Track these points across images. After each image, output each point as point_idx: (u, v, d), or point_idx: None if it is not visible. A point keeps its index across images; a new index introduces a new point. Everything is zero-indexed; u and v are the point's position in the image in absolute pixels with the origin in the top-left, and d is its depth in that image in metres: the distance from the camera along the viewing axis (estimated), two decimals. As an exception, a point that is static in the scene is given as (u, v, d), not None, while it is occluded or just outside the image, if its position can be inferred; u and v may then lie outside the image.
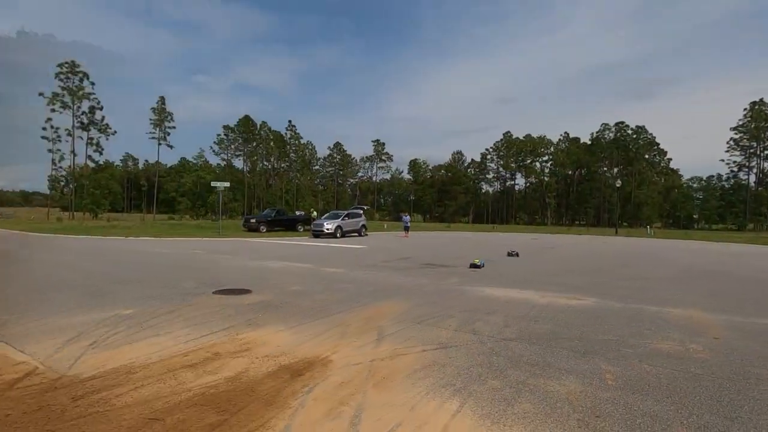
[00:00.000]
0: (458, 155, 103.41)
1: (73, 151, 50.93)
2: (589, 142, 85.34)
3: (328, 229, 24.34)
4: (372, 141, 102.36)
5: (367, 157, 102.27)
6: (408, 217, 31.62)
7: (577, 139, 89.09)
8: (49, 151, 50.10)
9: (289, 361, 3.88)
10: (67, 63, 48.81)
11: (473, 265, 11.06)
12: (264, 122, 79.40)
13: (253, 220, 27.55)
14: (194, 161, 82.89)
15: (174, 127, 62.37)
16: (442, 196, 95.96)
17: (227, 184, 26.45)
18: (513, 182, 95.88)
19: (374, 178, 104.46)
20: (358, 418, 2.84)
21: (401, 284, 8.38)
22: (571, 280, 9.52)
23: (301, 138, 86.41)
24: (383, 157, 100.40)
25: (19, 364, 3.74)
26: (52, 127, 49.04)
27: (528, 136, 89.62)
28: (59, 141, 49.83)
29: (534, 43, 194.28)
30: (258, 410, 2.92)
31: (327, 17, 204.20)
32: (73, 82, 49.18)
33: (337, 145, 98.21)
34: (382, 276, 9.50)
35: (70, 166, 52.49)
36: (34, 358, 3.90)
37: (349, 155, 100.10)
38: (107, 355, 3.99)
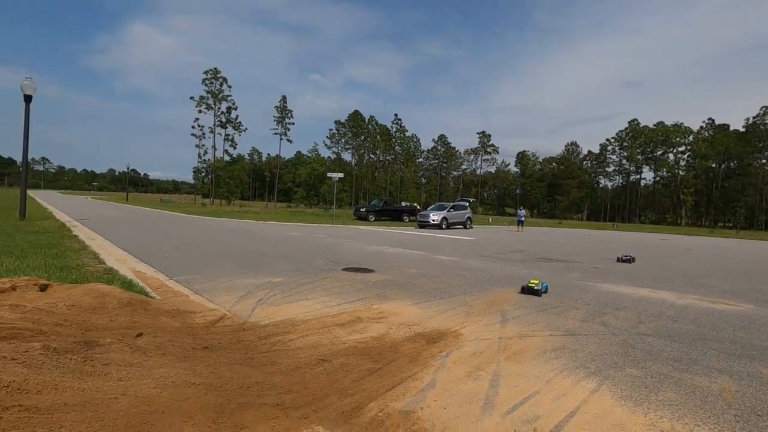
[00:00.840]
0: (572, 147, 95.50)
1: (213, 146, 59.36)
2: (743, 130, 71.78)
3: (434, 221, 24.70)
4: (477, 133, 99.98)
5: (471, 149, 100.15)
6: (523, 211, 30.67)
7: (725, 126, 75.59)
8: (197, 146, 59.11)
9: (422, 330, 4.28)
10: (211, 70, 56.87)
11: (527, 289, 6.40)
12: (372, 117, 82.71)
13: (362, 210, 29.20)
14: (308, 155, 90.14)
15: (293, 123, 68.52)
16: (553, 190, 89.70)
17: (341, 175, 28.43)
18: (638, 176, 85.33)
19: (478, 171, 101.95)
20: (495, 382, 3.09)
21: (517, 274, 8.32)
22: (716, 283, 8.43)
23: (406, 131, 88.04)
24: (489, 150, 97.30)
25: (213, 310, 4.75)
26: (199, 125, 57.74)
27: (660, 123, 78.69)
28: (204, 137, 58.47)
29: (668, 14, 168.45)
30: (404, 365, 3.35)
31: (432, 10, 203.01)
32: (215, 86, 57.18)
33: (441, 137, 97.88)
34: (497, 266, 9.51)
35: (210, 159, 61.21)
36: (222, 307, 4.92)
37: (453, 147, 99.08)
38: (273, 310, 4.84)
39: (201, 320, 4.30)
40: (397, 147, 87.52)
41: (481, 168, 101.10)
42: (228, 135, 59.70)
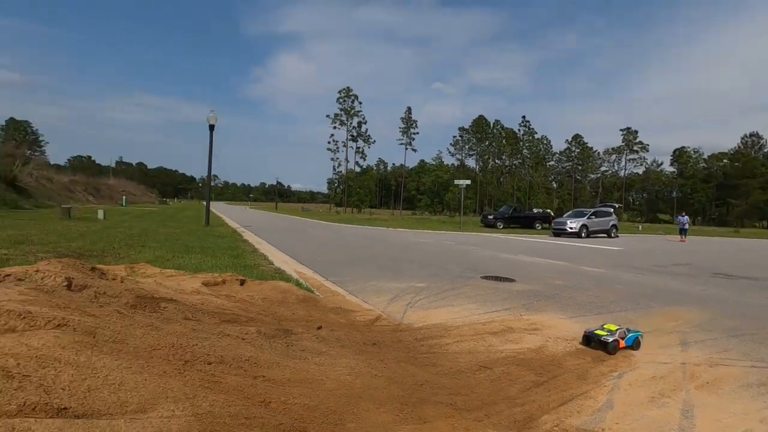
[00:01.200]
0: (752, 139, 78.24)
1: (346, 159, 64.61)
2: None
3: (571, 228, 22.73)
4: (620, 130, 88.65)
5: (613, 148, 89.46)
6: (686, 218, 25.72)
7: None
8: (331, 159, 65.09)
9: (584, 346, 4.00)
10: (344, 89, 62.27)
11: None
12: (497, 120, 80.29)
13: (490, 216, 28.44)
14: (432, 162, 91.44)
15: (417, 133, 70.49)
16: (725, 192, 74.60)
17: (468, 182, 28.20)
18: None
19: (621, 173, 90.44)
20: (689, 412, 2.73)
21: (686, 291, 7.16)
22: None
23: (535, 133, 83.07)
24: (635, 148, 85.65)
25: (369, 310, 5.17)
26: (333, 140, 63.52)
27: None
28: (338, 151, 64.07)
29: None
30: (572, 381, 3.18)
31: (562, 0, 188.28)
32: (348, 104, 62.30)
33: (576, 137, 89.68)
34: (658, 280, 8.32)
35: (342, 171, 66.66)
36: (375, 308, 5.32)
37: (590, 148, 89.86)
38: (423, 314, 5.06)
39: (361, 318, 4.72)
40: (524, 150, 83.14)
41: (625, 169, 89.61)
42: (359, 148, 64.35)
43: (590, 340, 3.93)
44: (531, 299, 6.08)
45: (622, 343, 3.82)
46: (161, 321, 2.69)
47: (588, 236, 22.92)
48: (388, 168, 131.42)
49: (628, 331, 3.96)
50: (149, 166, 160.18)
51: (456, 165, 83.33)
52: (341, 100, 62.37)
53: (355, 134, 63.50)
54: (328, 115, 62.70)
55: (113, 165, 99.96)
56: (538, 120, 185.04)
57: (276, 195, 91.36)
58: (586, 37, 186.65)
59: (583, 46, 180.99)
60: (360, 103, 63.45)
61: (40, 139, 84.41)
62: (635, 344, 3.90)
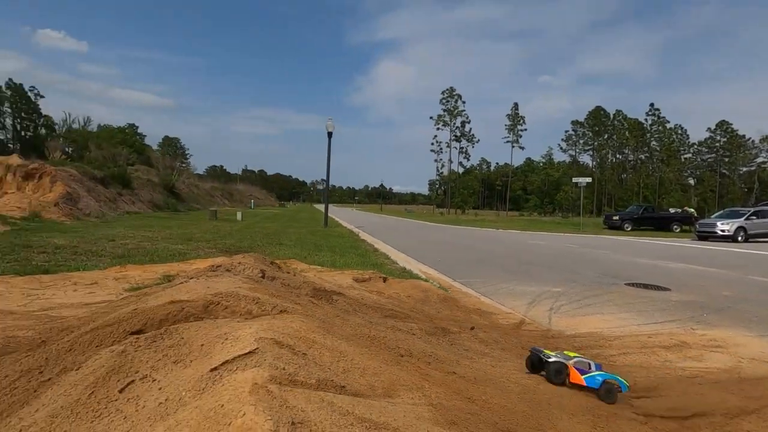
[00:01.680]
0: None
1: (450, 160, 64.12)
2: None
3: (722, 231, 19.36)
4: (783, 112, 72.65)
5: (772, 135, 73.93)
6: None
7: None
8: (435, 161, 65.15)
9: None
10: (447, 90, 61.97)
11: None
12: (618, 111, 72.16)
13: (615, 217, 25.64)
14: (540, 160, 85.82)
15: (525, 130, 66.88)
16: None
17: (589, 180, 25.82)
18: None
19: (786, 164, 74.23)
20: None
21: None
22: None
23: (667, 122, 72.74)
24: (805, 133, 69.63)
25: (509, 313, 5.00)
26: (437, 141, 63.53)
27: None
28: (441, 152, 63.88)
29: None
30: (792, 412, 2.66)
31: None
32: (451, 104, 61.79)
33: (722, 124, 76.20)
34: None
35: (444, 172, 66.24)
36: (515, 311, 5.13)
37: (741, 135, 75.59)
38: (571, 321, 4.72)
39: (504, 321, 4.58)
40: (653, 142, 73.35)
41: (791, 159, 73.37)
42: (462, 148, 63.35)
43: (534, 360, 2.80)
44: (697, 311, 5.28)
45: (577, 376, 2.63)
46: (343, 312, 2.91)
47: (746, 240, 19.28)
48: (492, 168, 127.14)
49: (597, 367, 2.71)
50: (268, 173, 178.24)
51: (568, 162, 77.02)
52: (444, 101, 62.19)
53: (458, 134, 62.75)
54: (431, 117, 63.01)
55: (240, 173, 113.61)
56: (667, 107, 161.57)
57: (381, 198, 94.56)
58: (728, 7, 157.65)
59: (723, 18, 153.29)
60: (463, 102, 62.53)
61: (186, 152, 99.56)
62: (604, 391, 2.57)
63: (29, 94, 60.54)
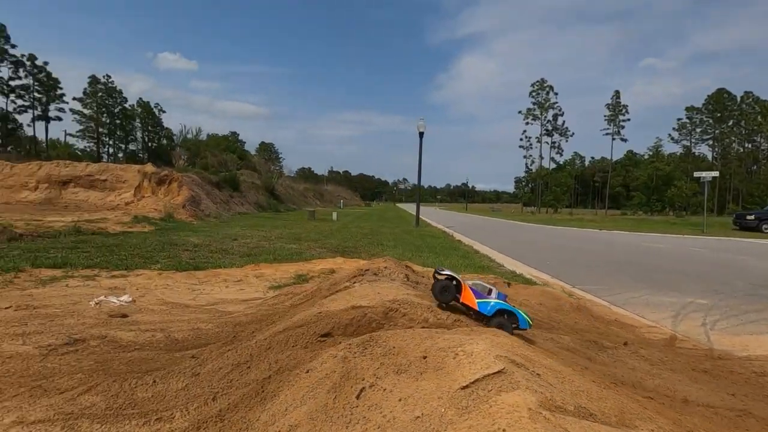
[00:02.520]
0: None
1: (540, 156, 60.59)
2: None
3: None
4: None
5: None
6: None
7: None
8: (524, 157, 62.12)
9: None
10: (537, 81, 58.57)
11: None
12: (748, 92, 62.03)
13: (750, 217, 22.07)
14: (645, 152, 77.06)
15: (629, 120, 60.72)
16: None
17: (715, 174, 22.54)
18: None
19: None
20: None
21: None
22: None
23: (812, 103, 60.81)
24: None
25: (651, 327, 4.50)
26: (526, 137, 60.47)
27: None
28: (531, 148, 60.68)
29: None
30: None
31: None
32: (542, 96, 58.31)
33: None
34: None
35: (533, 169, 62.71)
36: (659, 324, 4.60)
37: None
38: (738, 340, 4.10)
39: (649, 336, 4.13)
40: (793, 128, 61.85)
41: None
42: (554, 142, 59.49)
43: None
44: None
45: (469, 297, 2.38)
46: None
47: None
48: (586, 162, 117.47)
49: (500, 296, 2.45)
50: (352, 173, 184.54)
51: (680, 154, 68.14)
52: (534, 94, 58.84)
53: (550, 128, 59.02)
54: (519, 112, 60.11)
55: (326, 174, 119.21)
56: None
57: (464, 196, 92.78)
58: None
59: None
60: (556, 94, 58.59)
61: (280, 156, 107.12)
62: (496, 323, 2.32)
63: (154, 110, 69.81)
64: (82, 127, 60.68)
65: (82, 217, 12.16)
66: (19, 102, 50.62)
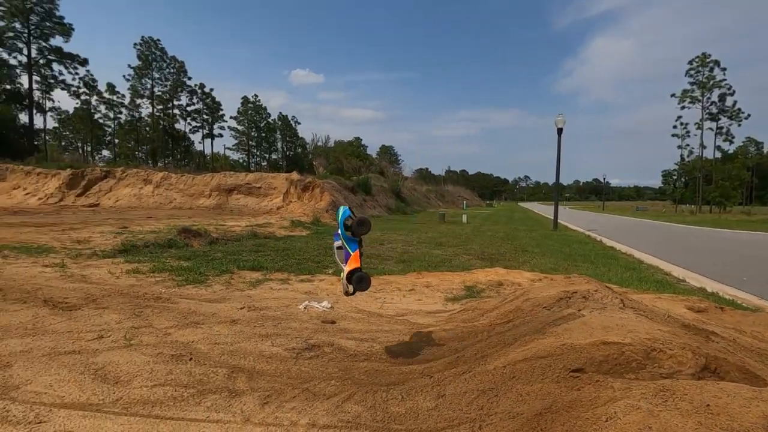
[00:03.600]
0: None
1: (701, 144, 51.19)
2: None
3: None
4: None
5: None
6: None
7: None
8: (679, 147, 53.22)
9: None
10: (698, 57, 49.51)
11: None
12: None
13: None
14: None
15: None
16: None
17: None
18: None
19: None
20: None
21: None
22: None
23: None
24: None
25: None
26: (681, 123, 51.74)
27: None
28: (687, 136, 51.73)
29: None
30: None
31: None
32: (702, 75, 49.20)
33: None
34: None
35: (686, 161, 53.27)
36: None
37: None
38: None
39: None
40: None
41: None
42: (720, 128, 49.77)
43: None
44: None
45: None
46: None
47: None
48: (763, 150, 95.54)
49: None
50: (469, 172, 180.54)
51: None
52: (693, 72, 49.84)
53: (714, 111, 49.38)
54: (673, 95, 51.54)
55: (443, 174, 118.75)
56: None
57: (596, 194, 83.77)
58: None
59: None
60: (723, 70, 48.75)
61: (399, 158, 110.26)
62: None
63: (291, 122, 78.18)
64: (236, 141, 71.03)
65: (250, 222, 14.14)
66: (193, 123, 61.45)
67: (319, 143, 69.95)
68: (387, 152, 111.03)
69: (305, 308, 4.34)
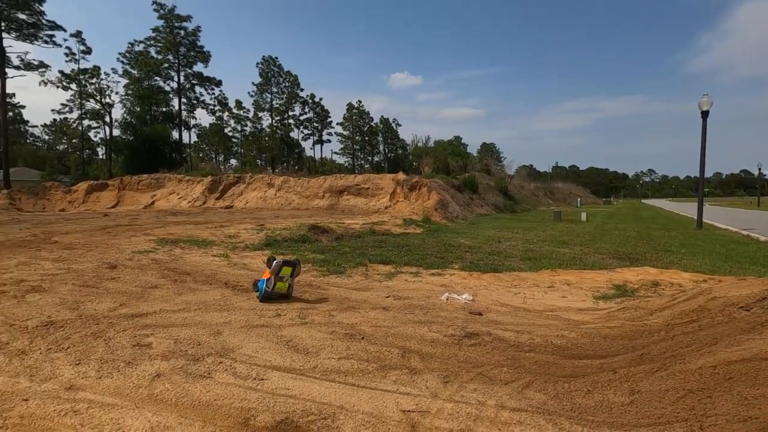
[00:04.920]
0: None
1: None
2: None
3: None
4: None
5: None
6: None
7: None
8: None
9: None
10: None
11: None
12: None
13: None
14: None
15: None
16: None
17: None
18: None
19: None
20: None
21: None
22: None
23: None
24: None
25: None
26: None
27: None
28: None
29: None
30: None
31: None
32: None
33: None
34: None
35: None
36: None
37: None
38: None
39: None
40: None
41: None
42: None
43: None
44: None
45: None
46: None
47: None
48: None
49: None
50: (580, 167, 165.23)
51: None
52: None
53: None
54: None
55: (549, 170, 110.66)
56: None
57: (743, 187, 70.55)
58: None
59: None
60: None
61: (501, 155, 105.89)
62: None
63: (392, 124, 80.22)
64: (342, 146, 75.21)
65: (366, 220, 14.85)
66: (305, 131, 66.67)
67: (420, 144, 70.61)
68: (488, 150, 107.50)
69: (447, 299, 4.42)
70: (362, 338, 3.15)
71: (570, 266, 6.76)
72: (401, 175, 25.81)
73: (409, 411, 2.10)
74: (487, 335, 3.19)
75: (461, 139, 77.14)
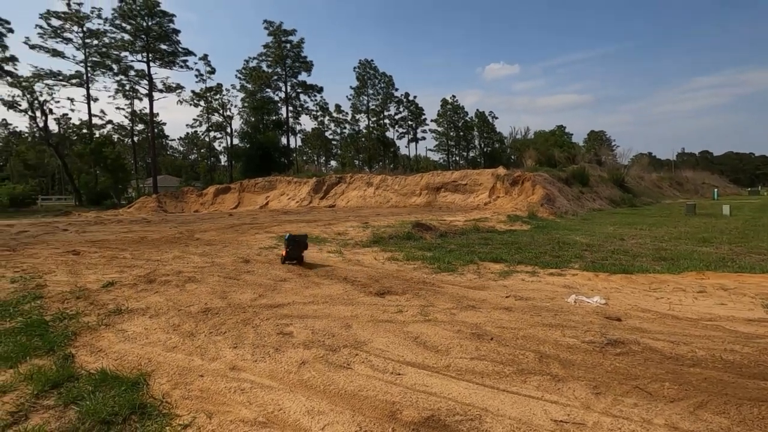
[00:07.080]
0: None
1: None
2: None
3: None
4: None
5: None
6: None
7: None
8: None
9: None
10: None
11: None
12: None
13: None
14: None
15: None
16: None
17: None
18: None
19: None
20: None
21: None
22: None
23: None
24: None
25: None
26: None
27: None
28: None
29: None
30: None
31: None
32: None
33: None
34: None
35: None
36: None
37: None
38: None
39: None
40: None
41: None
42: None
43: None
44: None
45: None
46: None
47: None
48: None
49: None
50: (714, 153, 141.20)
51: None
52: None
53: None
54: None
55: (674, 158, 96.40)
56: None
57: None
58: None
59: None
60: None
61: (613, 143, 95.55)
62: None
63: (488, 118, 77.44)
64: (436, 143, 74.79)
65: (467, 217, 14.53)
66: (400, 130, 67.71)
67: (518, 136, 67.04)
68: (598, 138, 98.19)
69: (575, 302, 4.08)
70: (491, 339, 3.05)
71: (721, 268, 5.79)
72: (501, 170, 24.77)
73: (561, 421, 1.96)
74: (635, 344, 2.86)
75: (564, 128, 71.50)
